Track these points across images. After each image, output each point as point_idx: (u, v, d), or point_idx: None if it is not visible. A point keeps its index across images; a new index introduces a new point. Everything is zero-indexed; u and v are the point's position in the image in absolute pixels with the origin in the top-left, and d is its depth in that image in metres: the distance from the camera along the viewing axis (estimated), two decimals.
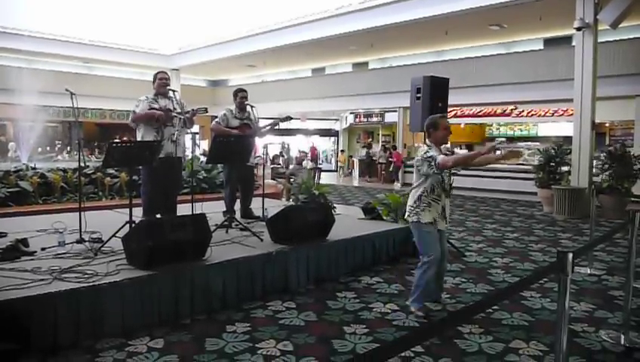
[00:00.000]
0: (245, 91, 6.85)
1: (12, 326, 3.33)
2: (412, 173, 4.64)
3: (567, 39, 15.42)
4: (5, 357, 3.16)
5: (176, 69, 22.94)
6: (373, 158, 22.29)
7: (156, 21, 18.15)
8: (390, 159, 20.08)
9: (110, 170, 8.84)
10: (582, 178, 10.67)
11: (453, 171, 4.78)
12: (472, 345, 3.75)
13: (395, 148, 20.97)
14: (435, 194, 4.40)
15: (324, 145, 28.52)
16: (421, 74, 6.93)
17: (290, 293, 4.95)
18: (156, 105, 5.87)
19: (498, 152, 4.47)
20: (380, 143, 23.53)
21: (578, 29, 10.64)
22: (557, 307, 2.50)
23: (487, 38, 17.30)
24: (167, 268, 4.21)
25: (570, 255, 2.37)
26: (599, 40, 10.91)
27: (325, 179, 19.37)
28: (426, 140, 4.51)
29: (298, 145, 24.91)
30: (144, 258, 4.17)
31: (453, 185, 4.78)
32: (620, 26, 10.62)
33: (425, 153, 4.38)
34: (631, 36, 13.80)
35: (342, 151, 25.95)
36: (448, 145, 4.85)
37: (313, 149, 24.56)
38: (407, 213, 4.57)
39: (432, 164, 4.28)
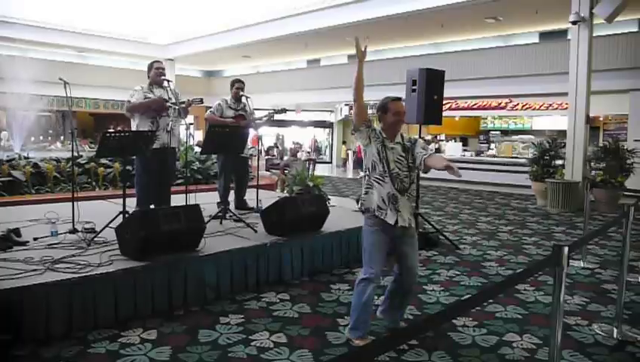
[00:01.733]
0: (242, 82, 6.81)
1: (4, 317, 3.31)
2: None
3: (563, 33, 15.39)
4: None
5: (171, 59, 22.77)
6: None
7: (151, 10, 17.96)
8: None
9: (104, 160, 8.79)
10: (576, 171, 10.71)
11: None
12: (466, 338, 3.76)
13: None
14: (377, 173, 3.63)
15: (319, 136, 28.44)
16: (417, 66, 6.90)
17: (284, 285, 4.94)
18: (151, 95, 5.81)
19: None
20: None
21: (574, 22, 10.64)
22: (552, 300, 2.50)
23: (483, 31, 17.24)
24: (160, 259, 4.20)
25: (566, 248, 2.36)
26: (594, 34, 10.92)
27: (319, 170, 19.35)
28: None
29: (293, 136, 24.85)
30: (137, 248, 4.16)
31: (451, 178, 4.40)
32: (616, 20, 10.62)
33: None
34: (626, 30, 13.80)
35: (344, 142, 25.74)
36: (431, 146, 4.60)
37: (314, 142, 24.43)
38: None
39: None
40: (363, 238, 3.73)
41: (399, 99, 3.81)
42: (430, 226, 7.06)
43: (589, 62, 10.58)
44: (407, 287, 3.76)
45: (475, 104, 19.85)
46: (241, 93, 6.73)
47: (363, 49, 3.78)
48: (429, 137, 21.05)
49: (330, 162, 26.55)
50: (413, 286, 3.86)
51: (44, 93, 18.27)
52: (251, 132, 7.01)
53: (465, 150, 19.05)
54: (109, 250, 4.38)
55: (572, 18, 10.61)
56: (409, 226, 3.65)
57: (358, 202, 7.29)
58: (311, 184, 7.75)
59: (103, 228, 4.80)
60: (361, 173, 18.24)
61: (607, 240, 7.28)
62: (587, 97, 10.65)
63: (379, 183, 3.62)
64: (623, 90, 13.70)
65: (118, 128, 18.15)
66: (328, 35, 17.79)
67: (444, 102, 6.96)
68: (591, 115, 11.06)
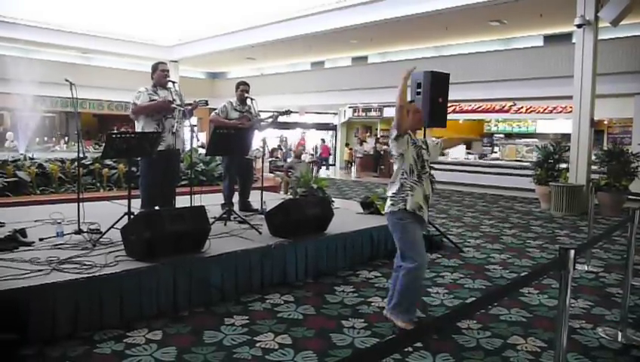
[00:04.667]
0: (247, 84, 6.83)
1: (10, 317, 3.33)
2: None
3: (568, 36, 15.41)
4: (4, 347, 3.15)
5: (176, 61, 22.84)
6: (381, 153, 21.96)
7: (156, 12, 18.01)
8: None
9: (108, 161, 8.82)
10: (580, 175, 10.68)
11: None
12: (470, 341, 3.76)
13: (323, 141, 24.90)
14: (415, 177, 3.96)
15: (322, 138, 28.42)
16: (420, 69, 6.89)
17: (289, 287, 4.95)
18: (156, 97, 5.83)
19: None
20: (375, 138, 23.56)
21: (579, 26, 10.61)
22: (558, 303, 2.50)
23: (487, 34, 17.26)
24: (165, 260, 4.20)
25: (572, 251, 2.36)
26: (600, 37, 10.90)
27: (323, 173, 19.35)
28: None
29: (296, 138, 24.88)
30: (143, 249, 4.17)
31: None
32: (621, 23, 10.61)
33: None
34: (631, 34, 13.78)
35: (347, 144, 25.71)
36: (435, 139, 4.62)
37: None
38: (387, 205, 4.11)
39: (392, 134, 4.00)
40: (402, 234, 3.99)
41: (412, 101, 4.28)
42: (434, 229, 7.06)
43: (594, 65, 10.56)
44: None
45: (479, 107, 19.86)
46: (246, 95, 6.75)
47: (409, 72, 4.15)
48: (433, 139, 21.02)
49: (334, 164, 26.53)
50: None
51: (49, 94, 18.34)
52: (257, 134, 7.01)
53: (469, 153, 19.02)
54: (115, 251, 4.39)
55: (577, 21, 10.59)
56: None
57: (362, 205, 7.28)
58: (315, 186, 7.75)
59: (109, 229, 4.82)
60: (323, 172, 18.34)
61: (611, 244, 7.27)
62: (592, 101, 10.63)
63: (417, 185, 3.97)
64: (628, 94, 13.70)
65: (122, 129, 18.19)
66: (332, 38, 17.83)
67: (448, 104, 6.97)
68: (595, 118, 11.04)
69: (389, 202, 4.08)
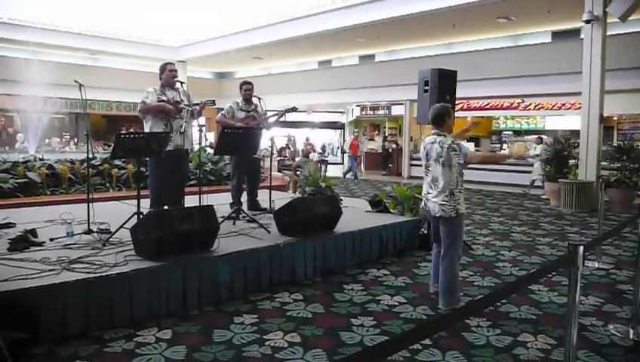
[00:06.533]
0: (249, 84, 6.84)
1: (21, 316, 3.36)
2: (418, 166, 4.61)
3: (576, 32, 15.30)
4: (15, 347, 3.18)
5: (183, 61, 22.91)
6: (390, 151, 21.91)
7: (163, 13, 18.09)
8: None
9: (117, 162, 8.86)
10: (589, 172, 10.62)
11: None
12: (480, 338, 3.75)
13: (355, 137, 20.43)
14: (460, 185, 4.40)
15: (330, 137, 28.35)
16: (428, 66, 6.89)
17: (298, 285, 4.96)
18: (164, 97, 5.85)
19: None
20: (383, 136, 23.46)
21: (587, 21, 10.55)
22: (567, 300, 2.49)
23: (495, 31, 17.18)
24: (175, 260, 4.22)
25: (582, 248, 2.35)
26: (608, 33, 10.82)
27: (331, 171, 19.32)
28: (437, 130, 4.45)
29: (303, 137, 24.82)
30: (152, 249, 4.19)
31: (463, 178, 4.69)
32: (629, 18, 10.53)
33: (452, 142, 4.29)
34: None
35: None
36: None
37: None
38: (441, 209, 4.33)
39: (459, 153, 4.26)
40: (459, 231, 4.46)
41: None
42: None
43: (603, 61, 10.49)
44: None
45: (488, 104, 19.74)
46: (253, 94, 6.77)
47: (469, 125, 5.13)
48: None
49: (342, 163, 26.49)
50: None
51: (57, 95, 18.43)
52: (265, 133, 7.02)
53: (477, 150, 18.93)
54: (124, 251, 4.42)
55: (585, 17, 10.52)
56: None
57: (370, 203, 7.28)
58: (323, 185, 7.76)
59: (118, 229, 4.85)
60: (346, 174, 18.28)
61: (621, 241, 7.22)
62: (601, 97, 10.56)
63: (462, 192, 4.43)
64: (637, 90, 13.58)
65: (131, 130, 18.27)
66: (340, 36, 17.81)
67: (456, 102, 6.94)
68: (605, 114, 10.97)
69: (448, 207, 4.33)
